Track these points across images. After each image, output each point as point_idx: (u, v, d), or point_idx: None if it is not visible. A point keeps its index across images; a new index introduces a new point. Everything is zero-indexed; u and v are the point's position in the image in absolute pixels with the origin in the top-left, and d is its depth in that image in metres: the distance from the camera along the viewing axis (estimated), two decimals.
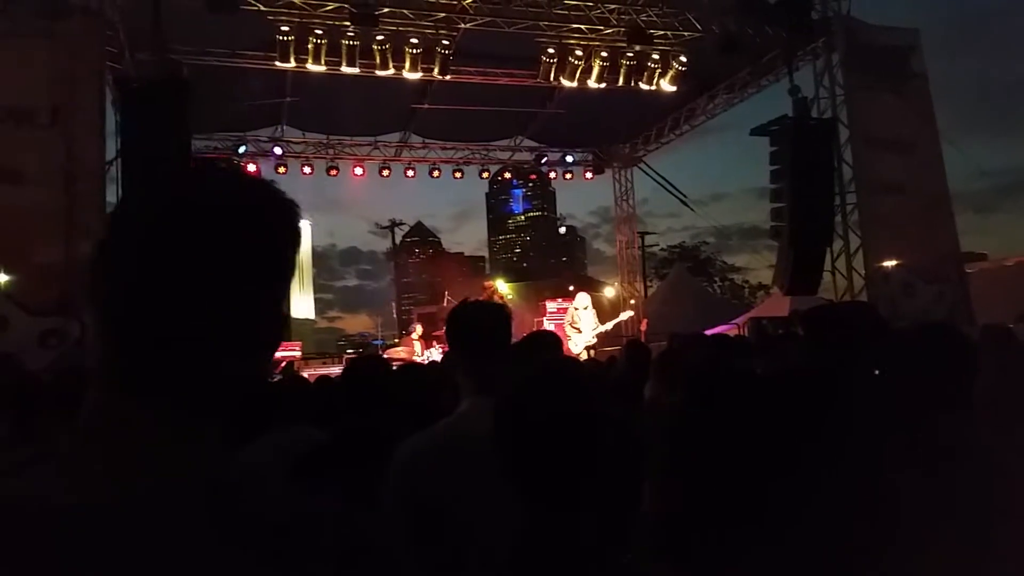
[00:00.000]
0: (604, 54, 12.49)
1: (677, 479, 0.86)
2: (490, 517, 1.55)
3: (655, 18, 12.46)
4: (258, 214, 0.74)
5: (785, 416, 0.85)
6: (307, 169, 16.70)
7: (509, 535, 1.28)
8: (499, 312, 2.22)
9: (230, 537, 0.65)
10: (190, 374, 0.70)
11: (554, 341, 3.51)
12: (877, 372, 1.82)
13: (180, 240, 0.70)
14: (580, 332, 11.41)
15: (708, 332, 8.63)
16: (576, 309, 11.66)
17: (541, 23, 12.17)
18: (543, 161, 18.08)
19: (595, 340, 11.38)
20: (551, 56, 12.37)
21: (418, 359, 13.15)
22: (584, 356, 10.98)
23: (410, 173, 17.49)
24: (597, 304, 13.04)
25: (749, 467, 0.83)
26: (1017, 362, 3.64)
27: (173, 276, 0.69)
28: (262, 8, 11.02)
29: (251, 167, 16.99)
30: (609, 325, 12.19)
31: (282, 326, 0.77)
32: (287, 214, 0.77)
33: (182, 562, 0.63)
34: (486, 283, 16.75)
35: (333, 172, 16.88)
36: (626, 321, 12.97)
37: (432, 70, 12.15)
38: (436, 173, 17.63)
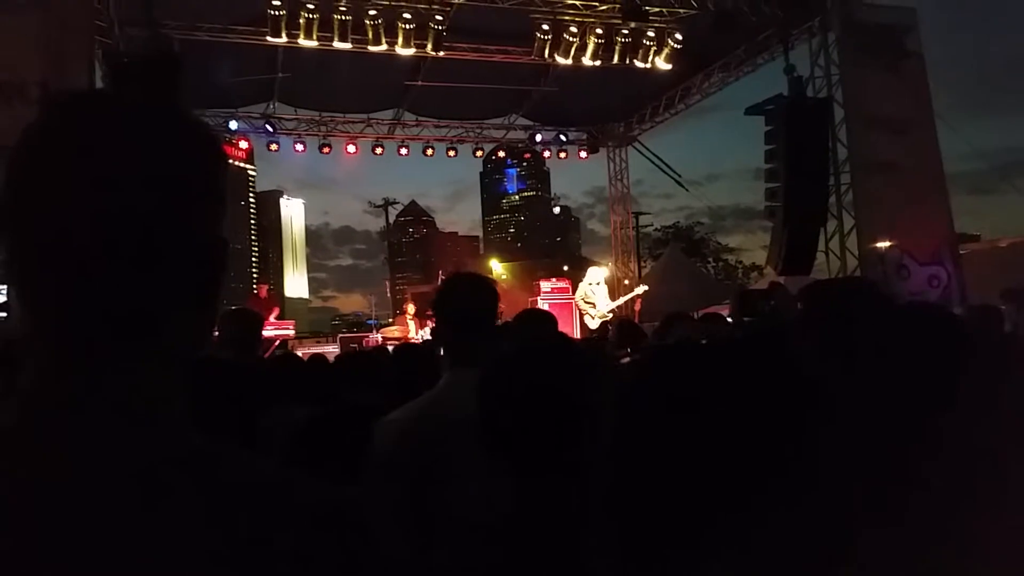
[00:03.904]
0: (599, 31, 12.38)
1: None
2: (472, 490, 1.55)
3: None
4: (178, 138, 0.70)
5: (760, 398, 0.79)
6: (299, 146, 16.58)
7: (492, 508, 1.27)
8: (484, 286, 2.19)
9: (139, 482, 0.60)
10: (135, 314, 0.66)
11: (547, 318, 3.51)
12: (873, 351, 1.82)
13: (103, 173, 0.65)
14: (595, 306, 11.12)
15: (701, 312, 8.64)
16: (590, 284, 11.36)
17: None
18: (537, 140, 17.98)
19: (611, 315, 11.07)
20: (545, 33, 12.24)
21: (412, 338, 13.15)
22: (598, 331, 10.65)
23: (403, 151, 17.37)
24: None
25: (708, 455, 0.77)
26: (1006, 346, 3.63)
27: (99, 212, 0.64)
28: None
29: (243, 143, 16.87)
30: (622, 300, 12.02)
31: (225, 251, 0.72)
32: (205, 131, 0.73)
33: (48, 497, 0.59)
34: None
35: (326, 149, 16.76)
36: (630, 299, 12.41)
37: (425, 46, 12.03)
38: (430, 151, 17.52)
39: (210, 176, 0.72)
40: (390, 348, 6.72)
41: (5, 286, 8.56)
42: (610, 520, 0.82)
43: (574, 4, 12.24)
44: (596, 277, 11.47)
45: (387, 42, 11.87)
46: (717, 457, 0.75)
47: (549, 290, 14.78)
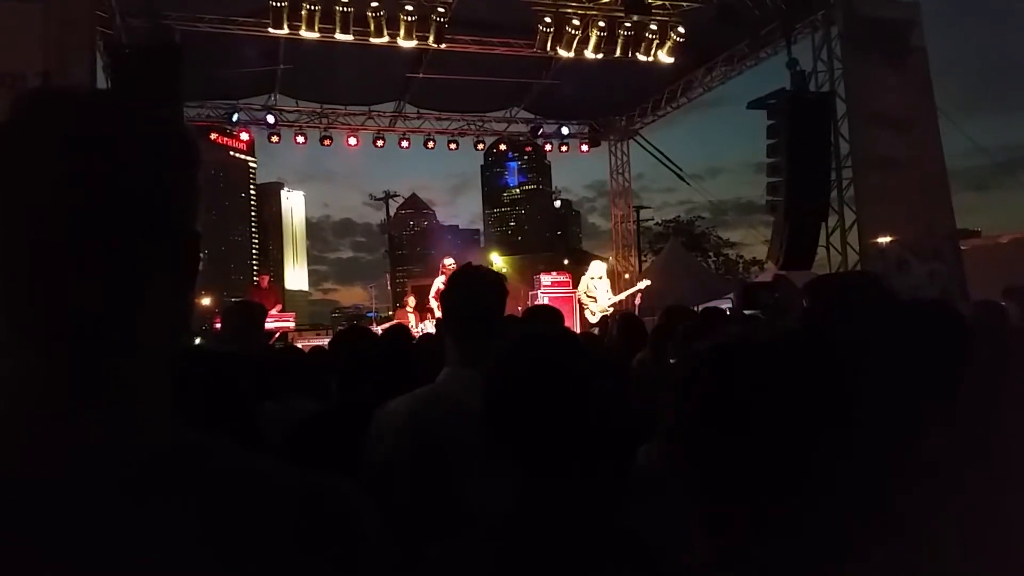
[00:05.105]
0: (601, 24, 12.34)
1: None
2: (470, 485, 1.54)
3: None
4: (157, 133, 0.70)
5: (791, 390, 0.81)
6: (300, 139, 16.55)
7: (491, 504, 1.27)
8: (491, 287, 2.14)
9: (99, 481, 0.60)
10: (111, 311, 0.65)
11: (554, 314, 3.52)
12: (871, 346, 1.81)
13: (81, 167, 0.64)
14: (596, 301, 11.14)
15: (701, 307, 8.64)
16: (592, 279, 11.38)
17: None
18: (539, 133, 17.94)
19: (612, 310, 11.12)
20: (548, 26, 12.21)
21: (412, 331, 13.15)
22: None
23: (404, 144, 17.33)
24: None
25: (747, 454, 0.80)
26: (1009, 341, 3.62)
27: (78, 208, 0.63)
28: None
29: (244, 135, 16.83)
30: (624, 295, 12.03)
31: (197, 249, 0.72)
32: (181, 126, 0.73)
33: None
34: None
35: (327, 142, 16.73)
36: (632, 293, 12.50)
37: (427, 38, 11.99)
38: (431, 144, 17.48)
39: (187, 170, 0.72)
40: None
41: None
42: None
43: None
44: (598, 271, 11.50)
45: (389, 34, 11.84)
46: (760, 461, 0.79)
47: (549, 284, 14.77)
